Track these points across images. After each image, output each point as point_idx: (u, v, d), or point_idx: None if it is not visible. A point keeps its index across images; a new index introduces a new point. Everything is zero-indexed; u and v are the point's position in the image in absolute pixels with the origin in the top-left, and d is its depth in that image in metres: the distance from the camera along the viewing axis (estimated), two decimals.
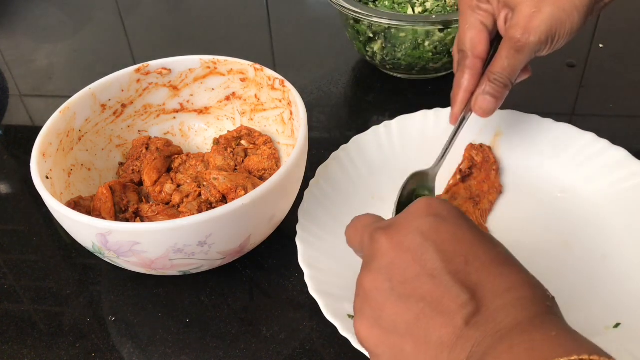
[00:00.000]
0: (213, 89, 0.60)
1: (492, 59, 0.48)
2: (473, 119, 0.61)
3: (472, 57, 0.49)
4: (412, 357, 0.31)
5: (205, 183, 0.54)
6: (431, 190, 0.52)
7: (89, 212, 0.51)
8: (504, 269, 0.31)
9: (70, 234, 0.47)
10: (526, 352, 0.27)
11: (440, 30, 0.65)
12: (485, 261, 0.32)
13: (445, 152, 0.52)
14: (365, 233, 0.36)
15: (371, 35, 0.68)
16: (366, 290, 0.34)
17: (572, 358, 0.26)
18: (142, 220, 0.52)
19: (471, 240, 0.33)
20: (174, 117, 0.62)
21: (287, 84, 0.55)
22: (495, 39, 0.50)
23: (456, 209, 0.35)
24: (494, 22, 0.49)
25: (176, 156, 0.59)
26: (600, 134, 0.57)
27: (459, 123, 0.51)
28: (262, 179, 0.56)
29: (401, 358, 0.32)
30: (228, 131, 0.60)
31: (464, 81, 0.49)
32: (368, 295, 0.33)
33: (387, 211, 0.55)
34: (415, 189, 0.52)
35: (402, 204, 0.49)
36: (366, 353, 0.35)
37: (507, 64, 0.47)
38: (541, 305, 0.30)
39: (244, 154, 0.58)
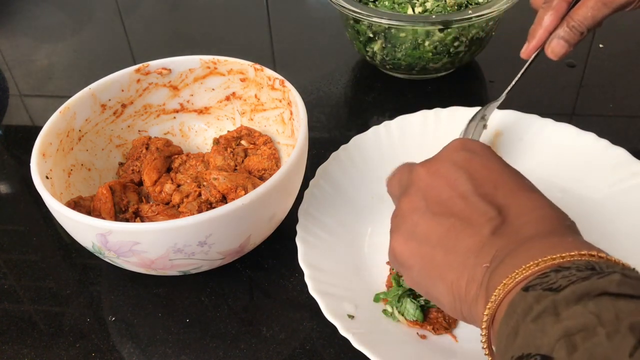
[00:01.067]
0: (213, 89, 0.60)
1: (576, 2, 0.49)
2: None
3: None
4: (441, 264, 0.34)
5: (205, 183, 0.54)
6: (485, 120, 0.57)
7: (89, 212, 0.51)
8: (530, 194, 0.35)
9: (70, 234, 0.47)
10: (540, 251, 0.30)
11: (440, 30, 0.65)
12: (512, 187, 0.35)
13: (511, 87, 0.55)
14: (405, 171, 0.40)
15: (371, 35, 0.68)
16: (403, 211, 0.37)
17: (582, 252, 0.29)
18: (142, 220, 0.52)
19: (500, 170, 0.36)
20: (174, 117, 0.62)
21: (287, 84, 0.55)
22: None
23: (488, 147, 0.38)
24: None
25: (176, 156, 0.59)
26: (600, 134, 0.57)
27: (534, 57, 0.53)
28: (262, 179, 0.56)
29: (431, 266, 0.35)
30: (228, 131, 0.60)
31: (546, 20, 0.50)
32: (405, 215, 0.37)
33: (387, 211, 0.55)
34: (478, 115, 0.56)
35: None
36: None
37: (590, 14, 0.48)
38: (562, 223, 0.33)
39: (244, 154, 0.58)
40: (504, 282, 0.30)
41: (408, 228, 0.36)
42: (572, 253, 0.29)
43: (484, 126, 0.57)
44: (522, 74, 0.55)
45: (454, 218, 0.34)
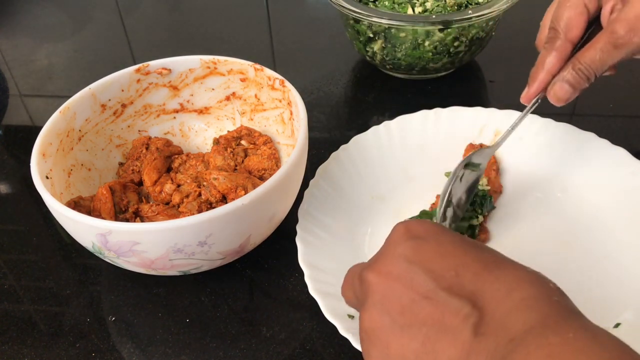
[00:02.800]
0: (213, 89, 0.60)
1: (583, 43, 0.45)
2: (473, 119, 0.61)
3: (564, 39, 0.46)
4: None
5: (205, 183, 0.54)
6: (478, 167, 0.50)
7: (89, 212, 0.51)
8: (499, 272, 0.30)
9: (70, 234, 0.47)
10: (539, 352, 0.26)
11: (440, 30, 0.65)
12: (476, 269, 0.30)
13: (509, 132, 0.50)
14: (355, 279, 0.35)
15: (371, 35, 0.68)
16: (367, 331, 0.32)
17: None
18: (142, 220, 0.52)
19: (456, 252, 0.31)
20: (174, 117, 0.62)
21: (287, 84, 0.55)
22: (592, 23, 0.46)
23: (434, 225, 0.33)
24: (598, 7, 0.45)
25: (176, 156, 0.59)
26: (600, 134, 0.57)
27: (532, 104, 0.49)
28: (262, 179, 0.56)
29: None
30: (228, 131, 0.60)
31: (548, 62, 0.46)
32: (370, 336, 0.32)
33: (387, 211, 0.55)
34: (468, 163, 0.50)
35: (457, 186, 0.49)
36: None
37: (599, 57, 0.43)
38: (549, 302, 0.28)
39: (244, 154, 0.58)
40: None
41: (380, 352, 0.31)
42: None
43: (478, 173, 0.51)
44: (521, 119, 0.50)
45: (425, 327, 0.30)
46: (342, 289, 0.37)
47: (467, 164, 0.50)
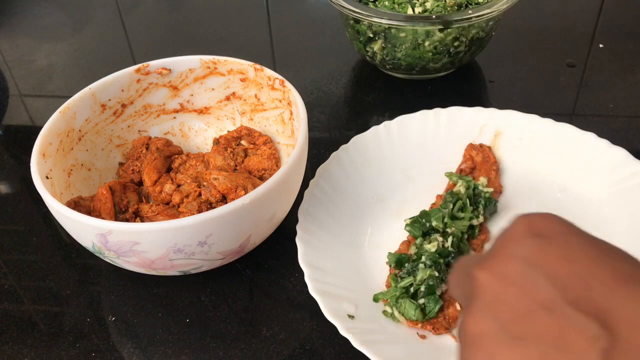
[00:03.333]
0: (213, 89, 0.60)
1: None
2: (473, 119, 0.61)
3: None
4: None
5: (205, 183, 0.54)
6: None
7: (89, 212, 0.51)
8: (637, 289, 0.25)
9: (70, 234, 0.47)
10: None
11: (440, 30, 0.65)
12: (609, 282, 0.26)
13: None
14: (463, 275, 0.30)
15: (371, 35, 0.68)
16: (472, 336, 0.28)
17: None
18: (142, 220, 0.52)
19: (587, 258, 0.27)
20: (174, 117, 0.62)
21: (287, 84, 0.55)
22: None
23: (562, 222, 0.29)
24: None
25: (176, 156, 0.59)
26: (600, 134, 0.57)
27: None
28: (262, 179, 0.56)
29: None
30: (228, 131, 0.60)
31: None
32: (475, 343, 0.27)
33: (387, 211, 0.55)
34: None
35: None
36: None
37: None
38: None
39: (244, 154, 0.58)
40: None
41: (481, 358, 0.27)
42: None
43: None
44: None
45: (543, 343, 0.25)
46: (450, 284, 0.33)
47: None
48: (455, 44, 0.67)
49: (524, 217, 0.29)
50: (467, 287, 0.30)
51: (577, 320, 0.25)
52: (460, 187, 0.54)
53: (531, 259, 0.27)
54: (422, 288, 0.47)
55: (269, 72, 0.56)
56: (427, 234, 0.52)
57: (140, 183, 0.57)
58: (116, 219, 0.52)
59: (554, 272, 0.26)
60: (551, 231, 0.28)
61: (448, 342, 0.45)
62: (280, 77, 0.55)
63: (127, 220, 0.52)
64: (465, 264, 0.31)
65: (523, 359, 0.25)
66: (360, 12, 0.64)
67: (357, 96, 0.74)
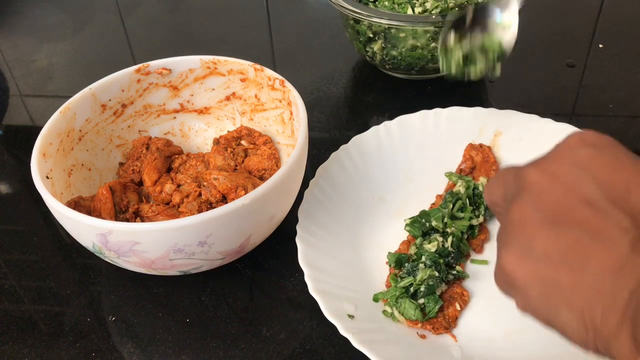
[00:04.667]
0: (213, 89, 0.60)
1: None
2: (472, 119, 0.61)
3: None
4: (567, 287, 0.28)
5: (205, 183, 0.54)
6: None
7: (89, 212, 0.51)
8: None
9: (71, 234, 0.47)
10: None
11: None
12: None
13: None
14: (510, 176, 0.33)
15: (371, 35, 0.68)
16: (514, 222, 0.31)
17: None
18: (142, 220, 0.52)
19: (632, 168, 0.30)
20: (174, 117, 0.62)
21: (287, 84, 0.55)
22: None
23: (611, 138, 0.32)
24: None
25: (176, 156, 0.59)
26: None
27: None
28: (262, 179, 0.56)
29: (554, 289, 0.29)
30: (228, 131, 0.60)
31: None
32: (515, 227, 0.31)
33: (387, 211, 0.55)
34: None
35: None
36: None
37: None
38: None
39: (244, 154, 0.58)
40: None
41: (521, 243, 0.30)
42: None
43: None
44: None
45: (579, 230, 0.28)
46: (489, 185, 0.36)
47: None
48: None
49: (578, 133, 0.33)
50: (512, 185, 0.33)
51: (612, 215, 0.28)
52: (460, 187, 0.54)
53: (581, 163, 0.30)
54: (422, 288, 0.47)
55: (269, 72, 0.56)
56: (427, 234, 0.52)
57: (141, 183, 0.57)
58: (116, 219, 0.52)
59: (600, 176, 0.29)
60: (602, 144, 0.31)
61: (448, 342, 0.45)
62: (280, 77, 0.55)
63: (127, 220, 0.52)
64: (510, 170, 0.34)
65: (558, 242, 0.28)
66: (360, 12, 0.64)
67: (357, 96, 0.74)
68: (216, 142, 0.59)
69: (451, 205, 0.53)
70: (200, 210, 0.52)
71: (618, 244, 0.27)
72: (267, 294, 0.51)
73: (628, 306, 0.26)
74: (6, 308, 0.52)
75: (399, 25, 0.64)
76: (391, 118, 0.61)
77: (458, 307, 0.47)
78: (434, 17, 0.64)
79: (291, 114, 0.56)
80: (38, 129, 0.51)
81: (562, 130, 0.58)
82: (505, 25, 0.48)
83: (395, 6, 0.69)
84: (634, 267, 0.26)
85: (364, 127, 0.60)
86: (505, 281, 0.32)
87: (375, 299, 0.48)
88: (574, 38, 0.80)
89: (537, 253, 0.29)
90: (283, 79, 0.55)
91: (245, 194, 0.48)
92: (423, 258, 0.49)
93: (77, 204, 0.51)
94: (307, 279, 0.47)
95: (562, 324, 0.29)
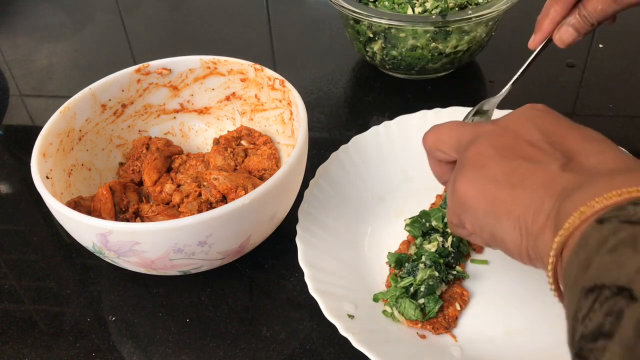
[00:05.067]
0: (213, 89, 0.60)
1: None
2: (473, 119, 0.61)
3: None
4: (508, 200, 0.34)
5: (205, 183, 0.54)
6: (486, 114, 0.56)
7: (89, 212, 0.51)
8: (597, 143, 0.34)
9: (71, 234, 0.47)
10: (622, 182, 0.29)
11: (441, 38, 0.65)
12: (580, 138, 0.35)
13: (518, 76, 0.54)
14: (466, 128, 0.40)
15: (371, 35, 0.68)
16: (469, 157, 0.37)
17: None
18: (142, 220, 0.52)
19: (568, 125, 0.36)
20: (174, 117, 0.62)
21: (287, 84, 0.55)
22: None
23: (553, 110, 0.39)
24: None
25: (176, 156, 0.59)
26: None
27: (540, 48, 0.53)
28: (262, 179, 0.56)
29: (497, 204, 0.35)
30: (228, 131, 0.60)
31: (553, 11, 0.50)
32: (472, 160, 0.37)
33: (387, 211, 0.55)
34: (478, 111, 0.55)
35: None
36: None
37: (600, 7, 0.49)
38: (636, 164, 0.32)
39: (244, 154, 0.58)
40: (581, 209, 0.29)
41: (475, 170, 0.36)
42: None
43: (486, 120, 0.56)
44: (527, 67, 0.54)
45: (522, 159, 0.35)
46: (438, 132, 0.42)
47: (477, 112, 0.55)
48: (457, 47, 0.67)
49: (529, 104, 0.39)
50: (469, 135, 0.39)
51: (550, 151, 0.34)
52: None
53: (530, 119, 0.37)
54: (422, 288, 0.47)
55: (269, 72, 0.56)
56: (427, 234, 0.52)
57: (141, 183, 0.57)
58: (116, 219, 0.52)
59: (543, 127, 0.36)
60: (549, 110, 0.38)
61: (448, 342, 0.45)
62: (280, 77, 0.55)
63: (127, 220, 0.52)
64: (468, 123, 0.41)
65: (504, 167, 0.35)
66: (360, 12, 0.64)
67: (357, 96, 0.74)
68: (216, 142, 0.59)
69: None
70: (200, 210, 0.52)
71: (551, 166, 0.33)
72: (267, 294, 0.51)
73: (553, 207, 0.32)
74: (6, 308, 0.52)
75: (399, 25, 0.64)
76: (391, 118, 0.61)
77: (458, 307, 0.47)
78: (434, 17, 0.64)
79: (291, 114, 0.56)
80: (38, 129, 0.51)
81: None
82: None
83: (395, 6, 0.69)
84: (561, 180, 0.32)
85: (364, 127, 0.60)
86: (458, 201, 0.38)
87: (375, 299, 0.48)
88: None
89: (487, 177, 0.36)
90: (283, 79, 0.55)
91: (245, 194, 0.48)
92: (423, 258, 0.49)
93: (77, 204, 0.51)
94: (307, 279, 0.47)
95: (503, 234, 0.35)
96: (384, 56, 0.69)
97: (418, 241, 0.51)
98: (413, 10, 0.67)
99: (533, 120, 0.37)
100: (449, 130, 0.41)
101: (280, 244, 0.53)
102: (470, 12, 0.64)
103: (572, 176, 0.32)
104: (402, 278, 0.48)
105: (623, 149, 0.35)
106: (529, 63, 0.54)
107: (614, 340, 0.23)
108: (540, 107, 0.38)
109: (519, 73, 0.54)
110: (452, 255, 0.50)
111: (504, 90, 0.55)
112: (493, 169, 0.35)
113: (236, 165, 0.57)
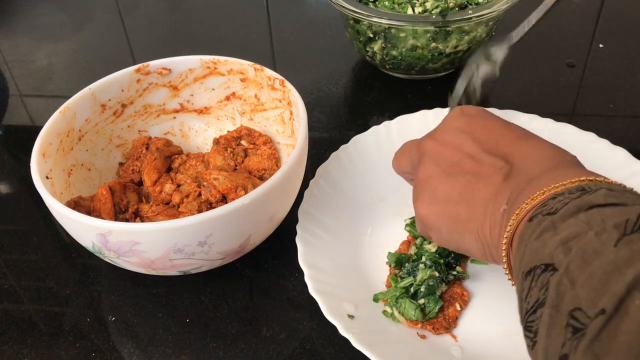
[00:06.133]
0: (213, 89, 0.60)
1: None
2: None
3: None
4: (465, 218, 0.38)
5: (205, 183, 0.54)
6: (494, 62, 0.58)
7: (89, 212, 0.51)
8: (528, 141, 0.39)
9: (70, 234, 0.47)
10: (545, 184, 0.34)
11: (441, 38, 0.65)
12: (512, 138, 0.40)
13: (527, 24, 0.53)
14: (412, 148, 0.45)
15: (371, 35, 0.68)
16: (421, 180, 0.41)
17: (574, 179, 0.33)
18: (142, 220, 0.52)
19: (497, 127, 0.41)
20: (174, 117, 0.62)
21: (287, 84, 0.55)
22: None
23: (483, 109, 0.44)
24: None
25: (176, 156, 0.59)
26: (600, 134, 0.57)
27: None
28: (262, 179, 0.56)
29: (457, 222, 0.39)
30: (228, 131, 0.60)
31: None
32: (423, 183, 0.41)
33: (387, 211, 0.55)
34: (486, 54, 0.58)
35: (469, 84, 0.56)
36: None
37: None
38: (563, 158, 0.38)
39: (244, 154, 0.58)
40: (516, 212, 0.34)
41: (429, 193, 0.40)
42: (565, 182, 0.33)
43: (493, 67, 0.56)
44: (545, 13, 0.52)
45: (468, 175, 0.39)
46: (397, 158, 0.48)
47: (485, 55, 0.58)
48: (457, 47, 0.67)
49: (458, 107, 0.44)
50: (415, 154, 0.44)
51: (490, 160, 0.39)
52: None
53: (462, 129, 0.42)
54: (422, 288, 0.47)
55: (269, 72, 0.56)
56: None
57: (140, 183, 0.57)
58: (116, 219, 0.52)
59: (476, 136, 0.41)
60: (475, 113, 0.43)
61: (448, 342, 0.45)
62: (280, 77, 0.55)
63: (127, 220, 0.52)
64: (412, 143, 0.46)
65: (455, 187, 0.39)
66: (360, 12, 0.64)
67: (357, 96, 0.74)
68: (216, 142, 0.59)
69: None
70: (200, 210, 0.52)
71: (494, 179, 0.38)
72: (267, 294, 0.51)
73: (502, 219, 0.36)
74: (6, 308, 0.52)
75: (399, 25, 0.64)
76: (391, 118, 0.61)
77: (458, 308, 0.47)
78: (434, 17, 0.64)
79: (291, 113, 0.56)
80: (38, 129, 0.51)
81: (562, 130, 0.58)
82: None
83: (395, 6, 0.69)
84: (505, 191, 0.37)
85: (364, 127, 0.60)
86: (422, 225, 0.42)
87: (375, 299, 0.48)
88: (574, 38, 0.80)
89: (441, 198, 0.40)
90: (283, 78, 0.55)
91: (245, 194, 0.48)
92: (423, 258, 0.49)
93: (76, 204, 0.51)
94: (307, 279, 0.47)
95: (468, 246, 0.39)
96: (384, 56, 0.69)
97: (418, 241, 0.51)
98: (413, 10, 0.67)
99: (465, 130, 0.41)
100: (401, 154, 0.47)
101: (280, 244, 0.53)
102: (470, 12, 0.64)
103: (513, 184, 0.36)
104: (402, 278, 0.48)
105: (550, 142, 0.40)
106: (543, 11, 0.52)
107: (545, 305, 0.27)
108: (469, 112, 0.43)
109: (529, 19, 0.53)
110: (452, 255, 0.50)
111: (513, 34, 0.54)
112: (444, 189, 0.40)
113: (236, 165, 0.57)
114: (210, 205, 0.53)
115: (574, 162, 0.38)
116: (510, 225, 0.34)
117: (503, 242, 0.35)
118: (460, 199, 0.38)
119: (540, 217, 0.31)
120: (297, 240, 0.50)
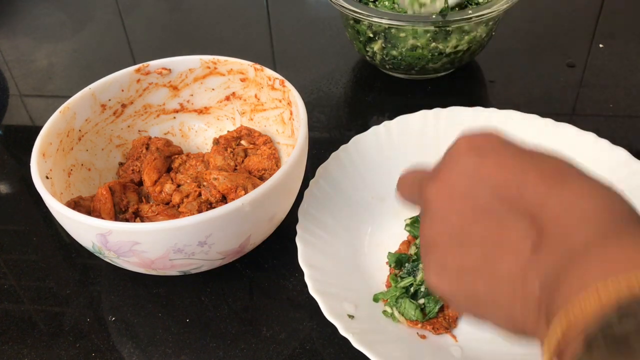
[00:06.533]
0: (213, 89, 0.60)
1: None
2: (473, 119, 0.61)
3: None
4: (487, 294, 0.30)
5: (205, 183, 0.54)
6: None
7: (89, 212, 0.51)
8: (563, 185, 0.29)
9: (70, 234, 0.47)
10: (594, 273, 0.25)
11: (442, 38, 0.65)
12: (538, 181, 0.29)
13: None
14: (415, 186, 0.36)
15: (371, 35, 0.68)
16: (428, 242, 0.33)
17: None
18: (142, 220, 0.52)
19: (517, 166, 0.30)
20: (174, 117, 0.62)
21: (287, 84, 0.55)
22: None
23: (496, 137, 0.32)
24: None
25: (176, 156, 0.59)
26: (600, 134, 0.57)
27: None
28: (262, 179, 0.56)
29: (477, 298, 0.30)
30: (228, 131, 0.60)
31: None
32: (430, 246, 0.33)
33: (387, 211, 0.55)
34: None
35: None
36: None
37: None
38: (613, 215, 0.27)
39: (244, 154, 0.58)
40: (561, 318, 0.25)
41: (437, 261, 0.32)
42: (621, 276, 0.24)
43: None
44: None
45: (484, 243, 0.30)
46: (400, 188, 0.39)
47: None
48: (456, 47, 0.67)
49: (465, 137, 0.33)
50: (418, 196, 0.35)
51: (511, 221, 0.29)
52: None
53: (471, 172, 0.31)
54: (422, 288, 0.47)
55: (269, 72, 0.56)
56: None
57: (140, 183, 0.57)
58: (116, 219, 0.52)
59: (491, 181, 0.30)
60: (488, 145, 0.32)
61: (448, 342, 0.45)
62: (280, 77, 0.55)
63: (127, 220, 0.52)
64: (414, 177, 0.37)
65: (469, 257, 0.30)
66: (360, 12, 0.64)
67: (357, 96, 0.74)
68: (216, 142, 0.59)
69: None
70: (200, 210, 0.52)
71: (520, 247, 0.28)
72: (267, 294, 0.51)
73: (541, 301, 0.27)
74: (6, 308, 0.52)
75: (399, 25, 0.64)
76: (391, 118, 0.61)
77: None
78: (434, 17, 0.64)
79: (291, 114, 0.56)
80: (38, 129, 0.51)
81: (562, 130, 0.58)
82: None
83: (395, 6, 0.69)
84: (537, 268, 0.27)
85: (364, 127, 0.60)
86: (435, 292, 0.33)
87: (375, 299, 0.48)
88: (574, 38, 0.80)
89: (452, 270, 0.31)
90: (283, 78, 0.55)
91: (245, 194, 0.48)
92: None
93: (76, 204, 0.51)
94: (307, 279, 0.47)
95: (493, 323, 0.31)
96: (384, 56, 0.69)
97: (418, 241, 0.51)
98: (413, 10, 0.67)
99: (477, 174, 0.31)
100: (404, 187, 0.39)
101: (280, 244, 0.53)
102: (470, 11, 0.64)
103: (547, 260, 0.27)
104: (402, 278, 0.48)
105: (598, 176, 0.30)
106: None
107: None
108: (479, 144, 0.32)
109: None
110: None
111: None
112: (455, 259, 0.31)
113: (236, 165, 0.57)
114: (210, 205, 0.53)
115: (625, 216, 0.27)
116: (553, 337, 0.25)
117: (545, 355, 0.26)
118: (476, 271, 0.30)
119: (603, 343, 0.23)
120: (297, 240, 0.50)
